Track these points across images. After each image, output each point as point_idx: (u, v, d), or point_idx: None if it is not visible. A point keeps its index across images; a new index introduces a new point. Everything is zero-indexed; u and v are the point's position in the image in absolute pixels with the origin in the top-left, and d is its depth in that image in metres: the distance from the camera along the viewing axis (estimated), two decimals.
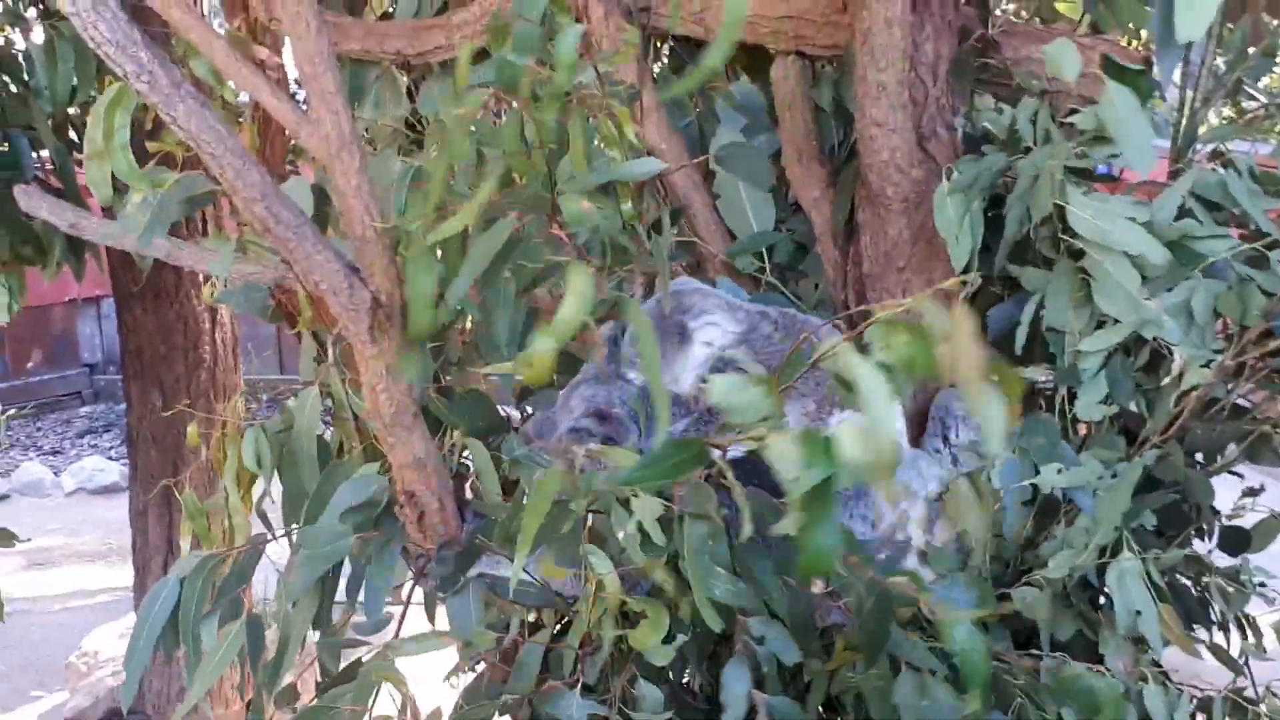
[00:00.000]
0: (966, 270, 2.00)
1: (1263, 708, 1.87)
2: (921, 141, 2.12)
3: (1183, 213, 1.93)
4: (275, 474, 2.13)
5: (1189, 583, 2.00)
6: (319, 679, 2.02)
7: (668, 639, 1.67)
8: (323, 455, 2.12)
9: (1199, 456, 2.06)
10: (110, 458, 11.72)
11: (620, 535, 1.59)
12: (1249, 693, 1.92)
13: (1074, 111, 1.98)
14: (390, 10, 2.61)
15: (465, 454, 2.14)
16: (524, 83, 1.68)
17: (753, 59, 2.44)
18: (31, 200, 2.00)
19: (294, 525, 2.09)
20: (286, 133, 3.55)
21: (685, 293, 2.00)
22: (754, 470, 1.49)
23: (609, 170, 1.88)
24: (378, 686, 1.80)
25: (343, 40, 2.46)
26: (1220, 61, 2.28)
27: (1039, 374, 1.97)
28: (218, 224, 4.73)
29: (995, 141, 2.05)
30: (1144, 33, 2.51)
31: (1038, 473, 1.90)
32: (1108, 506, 1.82)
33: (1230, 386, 1.96)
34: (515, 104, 1.71)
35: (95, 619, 7.20)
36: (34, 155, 3.81)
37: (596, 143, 1.90)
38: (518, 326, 1.93)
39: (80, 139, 4.04)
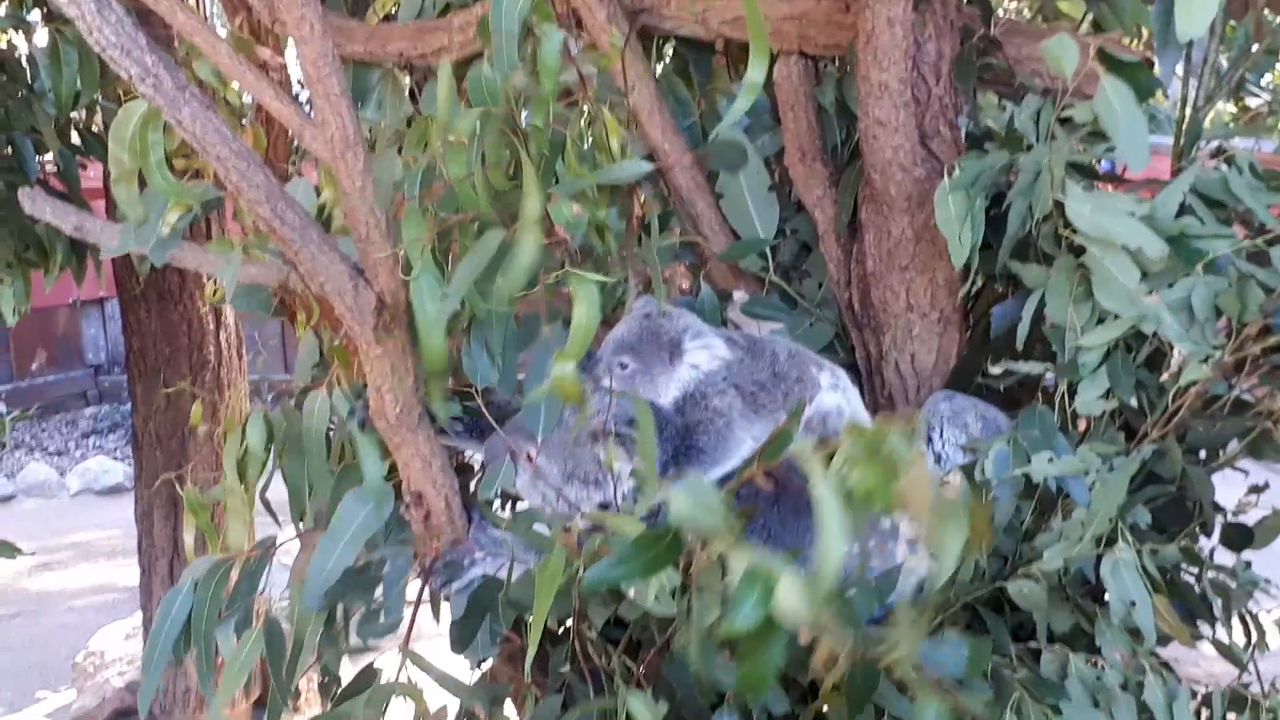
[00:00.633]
0: (968, 268, 2.00)
1: (1266, 703, 1.87)
2: (924, 140, 2.12)
3: (1184, 210, 1.93)
4: (277, 465, 2.13)
5: (1192, 580, 2.01)
6: (321, 679, 2.02)
7: None
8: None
9: (1202, 454, 2.06)
10: (115, 458, 11.76)
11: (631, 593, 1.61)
12: (1254, 689, 1.92)
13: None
14: (393, 12, 2.61)
15: (469, 453, 2.14)
16: (507, 91, 1.69)
17: None
18: (36, 203, 2.00)
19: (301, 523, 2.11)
20: (289, 134, 3.56)
21: (685, 314, 2.03)
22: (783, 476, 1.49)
23: (598, 173, 1.89)
24: (389, 699, 1.81)
25: (346, 42, 2.46)
26: (1223, 58, 2.28)
27: (1037, 368, 1.97)
28: (221, 227, 4.74)
29: (997, 139, 2.05)
30: (1145, 30, 2.51)
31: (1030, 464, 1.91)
32: (1103, 498, 1.82)
33: (1232, 382, 1.96)
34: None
35: (101, 619, 7.22)
36: (37, 158, 3.82)
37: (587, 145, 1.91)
38: (511, 336, 1.95)
39: (84, 142, 4.05)
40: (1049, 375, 2.00)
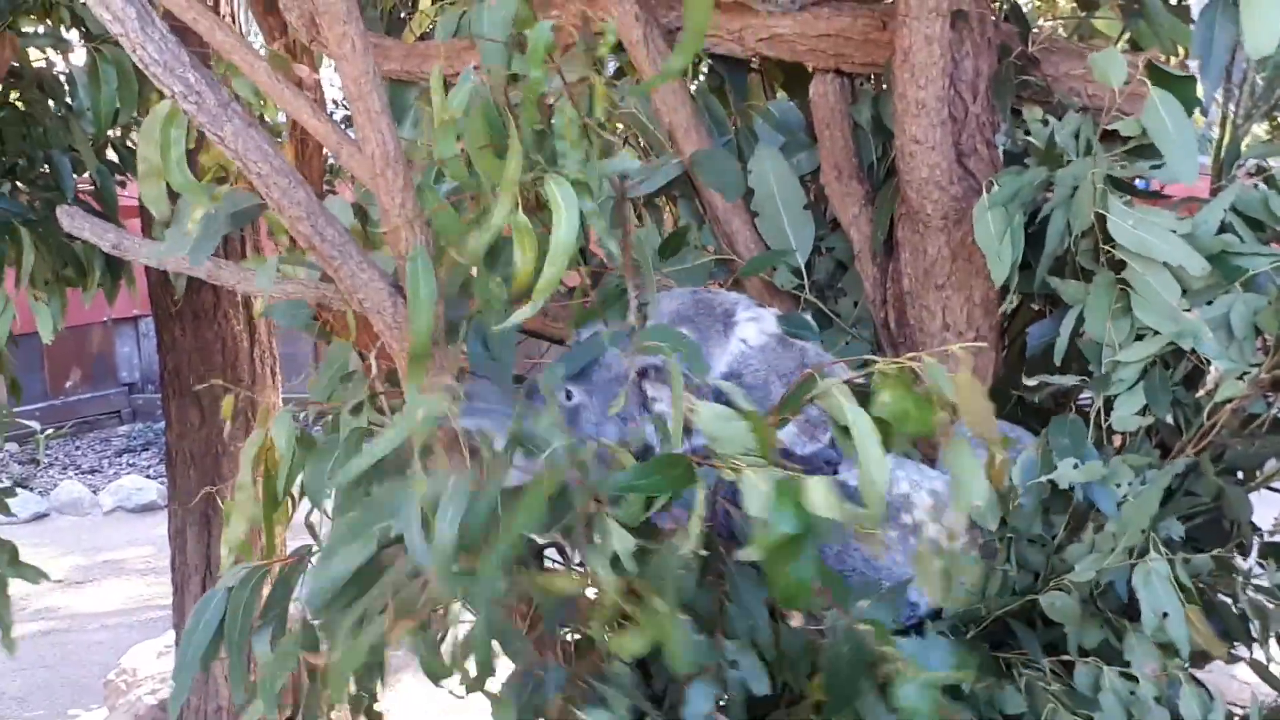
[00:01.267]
0: (1006, 286, 1.99)
1: None
2: (961, 158, 2.12)
3: (1223, 228, 1.92)
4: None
5: (1229, 600, 1.99)
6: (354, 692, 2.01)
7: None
8: None
9: (1239, 474, 2.05)
10: (148, 476, 11.80)
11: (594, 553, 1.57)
12: None
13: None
14: (430, 30, 2.62)
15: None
16: (498, 91, 1.68)
17: (791, 77, 2.45)
18: (75, 221, 2.02)
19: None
20: (323, 152, 3.58)
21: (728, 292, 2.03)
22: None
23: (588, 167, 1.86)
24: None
25: (383, 61, 2.48)
26: (1259, 78, 2.27)
27: (1073, 381, 1.96)
28: (255, 246, 4.77)
29: (1036, 155, 2.04)
30: (1181, 50, 2.50)
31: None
32: (1135, 511, 1.80)
33: (1270, 400, 1.94)
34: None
35: (134, 637, 7.24)
36: (74, 177, 3.85)
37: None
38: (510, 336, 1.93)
39: (121, 160, 4.09)
40: (1084, 392, 1.99)
